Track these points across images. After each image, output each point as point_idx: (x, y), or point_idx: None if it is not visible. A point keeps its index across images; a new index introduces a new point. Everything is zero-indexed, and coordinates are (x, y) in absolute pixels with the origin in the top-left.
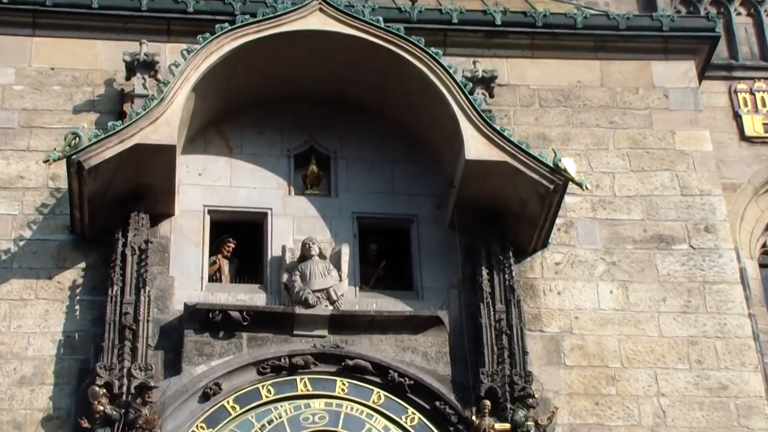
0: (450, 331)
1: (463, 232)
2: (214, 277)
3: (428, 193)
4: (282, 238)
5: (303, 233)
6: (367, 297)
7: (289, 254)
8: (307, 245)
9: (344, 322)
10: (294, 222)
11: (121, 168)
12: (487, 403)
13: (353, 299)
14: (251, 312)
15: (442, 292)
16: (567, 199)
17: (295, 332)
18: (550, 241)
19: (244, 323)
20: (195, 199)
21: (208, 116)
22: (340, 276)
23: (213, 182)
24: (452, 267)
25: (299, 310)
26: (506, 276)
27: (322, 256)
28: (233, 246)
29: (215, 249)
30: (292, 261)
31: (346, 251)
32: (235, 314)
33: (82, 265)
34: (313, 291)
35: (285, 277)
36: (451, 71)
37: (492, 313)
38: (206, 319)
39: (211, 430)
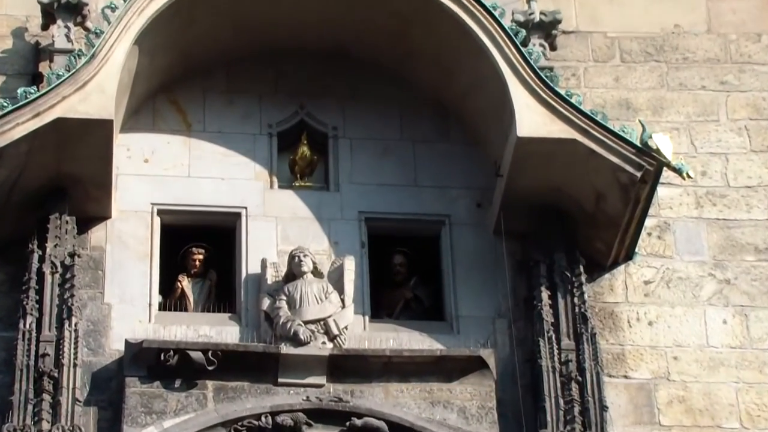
0: (497, 378)
1: (513, 239)
2: (172, 305)
3: (465, 185)
4: (261, 250)
5: (291, 242)
6: (381, 330)
7: (271, 271)
8: (297, 258)
9: (349, 366)
10: (278, 226)
11: (36, 153)
12: None
13: (361, 333)
14: (219, 352)
15: (485, 323)
16: (660, 191)
17: (280, 380)
18: (637, 250)
19: (210, 367)
20: (140, 196)
21: (157, 80)
22: (342, 301)
23: (165, 171)
24: (499, 288)
25: (286, 348)
26: (576, 300)
27: (317, 273)
28: (202, 257)
29: (179, 263)
30: (276, 281)
31: (350, 266)
32: (196, 355)
33: None
34: (306, 322)
35: (266, 303)
36: (496, 13)
37: (556, 352)
38: (157, 363)
39: None
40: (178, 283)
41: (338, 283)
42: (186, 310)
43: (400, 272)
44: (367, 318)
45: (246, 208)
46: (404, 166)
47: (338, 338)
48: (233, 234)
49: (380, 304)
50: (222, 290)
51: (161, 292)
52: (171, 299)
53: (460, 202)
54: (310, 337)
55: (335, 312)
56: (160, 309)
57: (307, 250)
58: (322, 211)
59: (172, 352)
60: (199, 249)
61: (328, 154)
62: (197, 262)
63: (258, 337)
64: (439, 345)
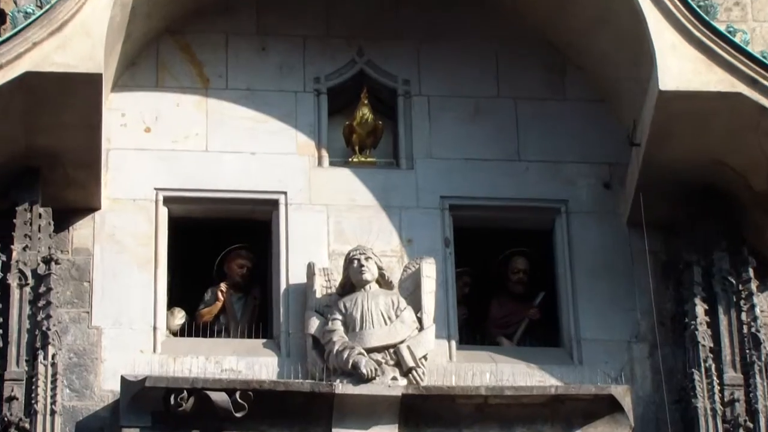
0: (635, 425)
1: (656, 232)
2: (200, 329)
3: (586, 158)
4: (307, 251)
5: (347, 240)
6: (474, 360)
7: (321, 280)
8: (356, 263)
9: (430, 410)
10: (330, 218)
11: None
12: None
13: (446, 366)
14: (251, 392)
15: (617, 350)
16: None
17: (334, 430)
18: None
19: (238, 414)
20: (140, 179)
21: (162, 17)
22: (419, 321)
23: (174, 145)
24: (636, 301)
25: (342, 387)
26: (744, 316)
27: (384, 283)
28: (249, 265)
29: (218, 271)
30: (328, 294)
31: (429, 272)
32: (219, 397)
33: None
34: (369, 351)
35: (314, 324)
36: None
37: (717, 388)
38: (165, 407)
39: None
40: (220, 294)
41: (414, 297)
42: (221, 334)
43: (521, 282)
44: (454, 344)
45: (285, 193)
46: (503, 133)
47: (414, 372)
48: (267, 230)
49: (472, 325)
50: (235, 307)
51: (174, 307)
52: (197, 319)
53: (580, 182)
54: (376, 371)
55: (410, 336)
56: (174, 334)
57: (371, 251)
58: (391, 197)
59: (186, 394)
60: (243, 253)
61: (398, 118)
62: (242, 271)
63: (304, 372)
64: (554, 380)
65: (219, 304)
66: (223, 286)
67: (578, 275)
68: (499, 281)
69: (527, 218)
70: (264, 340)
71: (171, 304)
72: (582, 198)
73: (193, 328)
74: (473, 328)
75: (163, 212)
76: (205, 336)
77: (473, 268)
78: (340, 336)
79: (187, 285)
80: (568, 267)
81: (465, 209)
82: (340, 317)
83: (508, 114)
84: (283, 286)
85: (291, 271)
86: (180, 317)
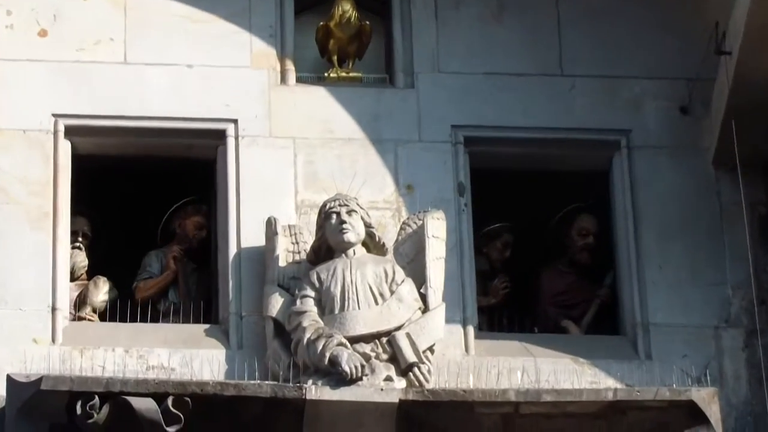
0: None
1: (753, 174)
2: (133, 310)
3: (654, 73)
4: (265, 200)
5: (322, 186)
6: (498, 353)
7: (285, 242)
8: (336, 217)
9: (438, 422)
10: (297, 155)
11: None
12: None
13: (461, 361)
14: (188, 398)
15: (699, 338)
16: None
17: None
18: None
19: (171, 428)
20: (31, 101)
21: None
22: (423, 299)
23: (79, 55)
24: (726, 270)
25: (317, 390)
26: None
27: (374, 246)
28: (206, 226)
29: (164, 233)
30: (296, 260)
31: (437, 230)
32: (144, 405)
33: None
34: (354, 339)
35: (276, 303)
36: None
37: None
38: (69, 417)
39: None
40: (172, 261)
41: (415, 265)
42: (168, 318)
43: (588, 248)
44: (471, 330)
45: (235, 122)
46: (538, 38)
47: (416, 370)
48: (210, 173)
49: (512, 305)
50: (189, 280)
51: (98, 276)
52: (136, 294)
53: (646, 105)
54: (363, 368)
55: (410, 320)
56: (97, 315)
57: (355, 203)
58: (383, 127)
59: (97, 400)
60: (203, 209)
61: (392, 16)
62: (201, 234)
63: (262, 370)
64: (613, 381)
65: (169, 276)
66: (176, 250)
67: (645, 235)
68: (555, 245)
69: (572, 156)
70: (207, 326)
71: (92, 272)
72: (649, 127)
73: (127, 308)
74: (514, 307)
75: (65, 148)
76: (144, 320)
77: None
78: (312, 320)
79: (109, 249)
80: (630, 224)
81: (485, 143)
82: (312, 294)
83: (545, 11)
84: (232, 250)
85: (244, 230)
86: (104, 290)
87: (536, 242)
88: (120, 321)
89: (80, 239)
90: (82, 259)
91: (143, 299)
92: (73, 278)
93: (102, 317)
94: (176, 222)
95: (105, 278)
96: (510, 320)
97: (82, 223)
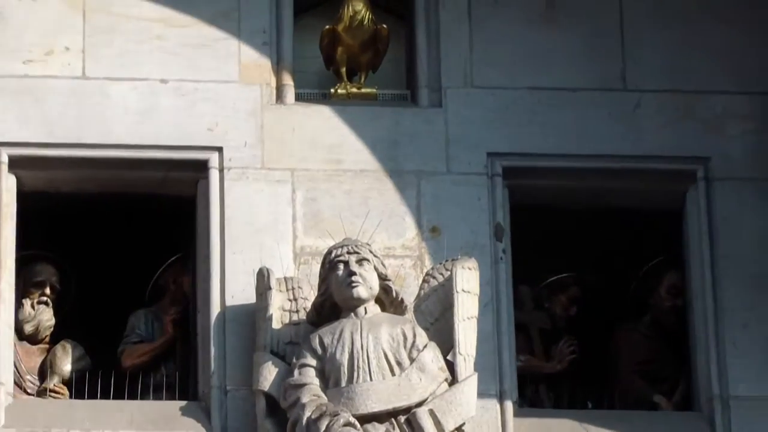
0: None
1: None
2: (105, 384)
3: (742, 87)
4: (257, 245)
5: (326, 228)
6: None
7: (281, 298)
8: (343, 267)
9: None
10: (296, 191)
11: None
12: None
13: None
14: None
15: None
16: None
17: None
18: None
19: None
20: None
21: None
22: (450, 368)
23: (26, 68)
24: None
25: None
26: None
27: (391, 302)
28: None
29: (156, 291)
30: (293, 320)
31: (469, 283)
32: None
33: None
34: (364, 419)
35: (269, 374)
36: None
37: None
38: None
39: None
40: (169, 325)
41: (441, 326)
42: (153, 393)
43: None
44: (509, 406)
45: (220, 150)
46: (596, 44)
47: None
48: (189, 212)
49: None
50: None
51: (66, 341)
52: (123, 362)
53: (730, 127)
54: None
55: (434, 394)
56: (65, 385)
57: (367, 249)
58: (402, 156)
59: None
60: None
61: (415, 19)
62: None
63: None
64: None
65: (166, 342)
66: (174, 311)
67: (726, 288)
68: (637, 303)
69: (637, 191)
70: (183, 403)
71: (59, 334)
72: (733, 154)
73: (97, 380)
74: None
75: (9, 183)
76: (120, 395)
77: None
78: (313, 395)
79: (75, 308)
80: (708, 273)
81: (528, 175)
82: (313, 363)
83: (605, 11)
84: (215, 309)
85: (229, 285)
86: (75, 357)
87: (601, 299)
88: (91, 397)
89: (47, 293)
90: (49, 318)
91: (131, 368)
92: (35, 341)
93: (71, 390)
94: (168, 277)
95: (75, 342)
96: (572, 395)
97: (50, 273)
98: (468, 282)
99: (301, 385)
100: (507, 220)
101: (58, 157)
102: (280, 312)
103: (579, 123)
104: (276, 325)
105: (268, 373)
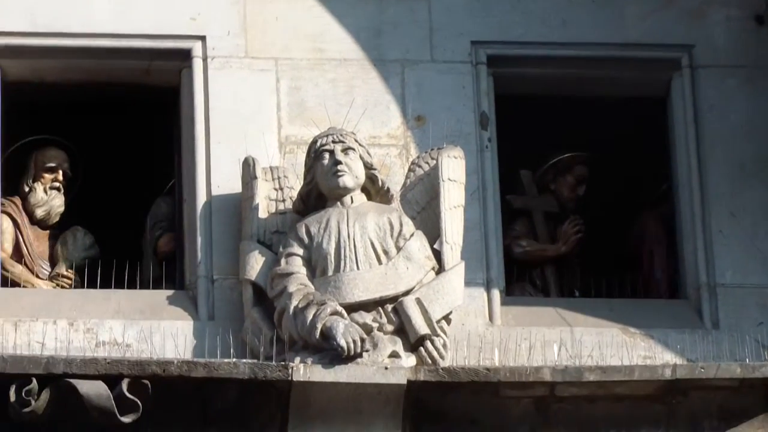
0: None
1: None
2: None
3: None
4: (241, 134)
5: (311, 116)
6: (533, 323)
7: (266, 187)
8: (329, 156)
9: (457, 408)
10: (280, 79)
11: None
12: None
13: (484, 332)
14: (147, 381)
15: None
16: None
17: None
18: None
19: (126, 418)
20: None
21: None
22: (437, 257)
23: None
24: None
25: (306, 370)
26: None
27: (377, 191)
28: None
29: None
30: (280, 209)
31: (454, 172)
32: (94, 390)
33: None
34: (351, 308)
35: (256, 263)
36: None
37: None
38: (0, 405)
39: None
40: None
41: (427, 215)
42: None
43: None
44: (497, 295)
45: (203, 38)
46: None
47: (429, 344)
48: (172, 102)
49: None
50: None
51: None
52: (158, 249)
53: (713, 14)
54: (363, 342)
55: (421, 283)
56: (75, 273)
57: (352, 138)
58: (386, 45)
59: (35, 384)
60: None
61: None
62: (60, 176)
63: (239, 346)
64: (672, 355)
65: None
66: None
67: (713, 176)
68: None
69: (622, 79)
70: (170, 293)
71: (68, 221)
72: (717, 42)
73: (113, 271)
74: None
75: None
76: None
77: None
78: (300, 284)
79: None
80: (694, 162)
81: (513, 64)
82: (300, 252)
83: None
84: (201, 199)
85: (215, 174)
86: (86, 245)
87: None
88: (104, 286)
89: (60, 178)
90: (60, 204)
91: (168, 253)
92: (45, 226)
93: (82, 278)
94: None
95: (85, 230)
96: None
97: (62, 159)
98: (454, 171)
99: (288, 274)
100: (492, 108)
101: (41, 46)
102: (266, 201)
103: (563, 11)
104: (262, 214)
105: (255, 262)
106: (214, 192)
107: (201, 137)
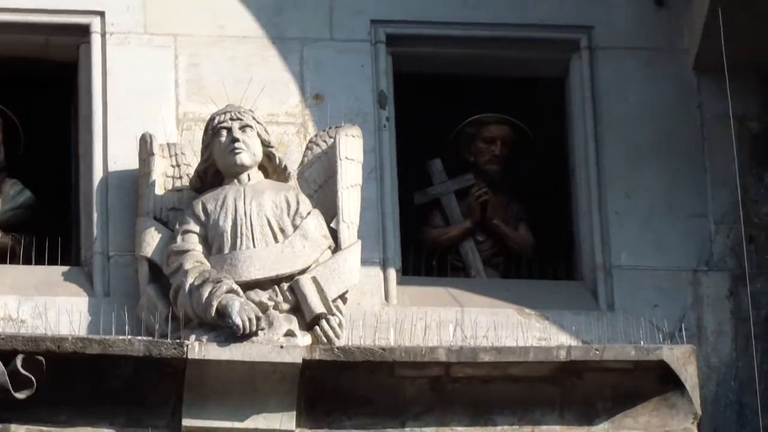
0: (708, 413)
1: (745, 82)
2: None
3: None
4: (139, 111)
5: (209, 93)
6: (430, 303)
7: (163, 164)
8: (226, 133)
9: (352, 388)
10: (179, 56)
11: None
12: None
13: (380, 312)
14: (43, 357)
15: (674, 284)
16: None
17: (186, 423)
18: None
19: (20, 394)
20: None
21: None
22: (333, 234)
23: None
24: (708, 200)
25: (201, 348)
26: None
27: (274, 169)
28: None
29: None
30: (176, 186)
31: (352, 152)
32: None
33: None
34: (247, 285)
35: (152, 240)
36: None
37: None
38: None
39: None
40: None
41: (325, 193)
42: None
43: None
44: (393, 274)
45: (102, 14)
46: None
47: (324, 323)
48: (70, 78)
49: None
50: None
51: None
52: None
53: None
54: (259, 321)
55: (317, 261)
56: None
57: (250, 116)
58: (285, 23)
59: None
60: None
61: None
62: None
63: (134, 324)
64: (567, 337)
65: None
66: None
67: (609, 157)
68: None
69: (521, 60)
70: (65, 269)
71: None
72: (616, 23)
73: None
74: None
75: None
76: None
77: None
78: (196, 261)
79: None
80: (591, 143)
81: (412, 43)
82: (196, 229)
83: None
84: (97, 175)
85: (111, 150)
86: (10, 195)
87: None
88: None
89: None
90: None
91: None
92: None
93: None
94: None
95: (14, 180)
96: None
97: None
98: (351, 149)
99: (184, 252)
100: (390, 87)
101: None
102: (163, 178)
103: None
104: (159, 191)
105: (151, 239)
106: (111, 168)
107: (98, 113)
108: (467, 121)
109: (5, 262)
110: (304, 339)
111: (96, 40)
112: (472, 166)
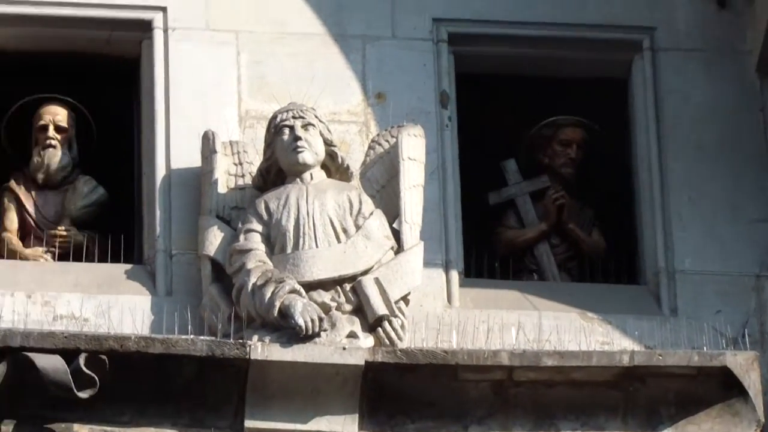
0: None
1: None
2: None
3: None
4: (201, 108)
5: (271, 92)
6: (493, 305)
7: (226, 162)
8: (288, 132)
9: (413, 390)
10: (241, 53)
11: None
12: None
13: (443, 314)
14: (104, 356)
15: (738, 289)
16: None
17: (248, 424)
18: None
19: (83, 393)
20: None
21: None
22: (397, 236)
23: None
24: None
25: (263, 349)
26: None
27: (337, 168)
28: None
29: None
30: (239, 185)
31: (415, 153)
32: (50, 364)
33: None
34: (310, 286)
35: (214, 239)
36: None
37: None
38: None
39: None
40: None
41: (387, 194)
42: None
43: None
44: (455, 276)
45: (164, 9)
46: None
47: (387, 325)
48: (132, 73)
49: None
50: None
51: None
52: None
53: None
54: (321, 322)
55: (380, 263)
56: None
57: (312, 114)
58: (347, 21)
59: None
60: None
61: None
62: (52, 133)
63: (196, 323)
64: (629, 342)
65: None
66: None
67: (672, 160)
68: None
69: (583, 60)
70: (128, 267)
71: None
72: (678, 25)
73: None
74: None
75: None
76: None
77: None
78: (259, 260)
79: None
80: (654, 145)
81: (474, 42)
82: (259, 228)
83: None
84: (160, 173)
85: (174, 148)
86: (84, 192)
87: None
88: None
89: (51, 134)
90: (57, 160)
91: None
92: (53, 185)
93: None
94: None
95: (88, 177)
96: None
97: (52, 114)
98: (414, 149)
99: (247, 251)
100: (453, 87)
101: None
102: (225, 176)
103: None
104: (221, 189)
105: (214, 238)
106: (173, 166)
107: (161, 110)
108: (544, 123)
109: (68, 260)
110: (367, 341)
111: (158, 35)
112: (546, 168)
